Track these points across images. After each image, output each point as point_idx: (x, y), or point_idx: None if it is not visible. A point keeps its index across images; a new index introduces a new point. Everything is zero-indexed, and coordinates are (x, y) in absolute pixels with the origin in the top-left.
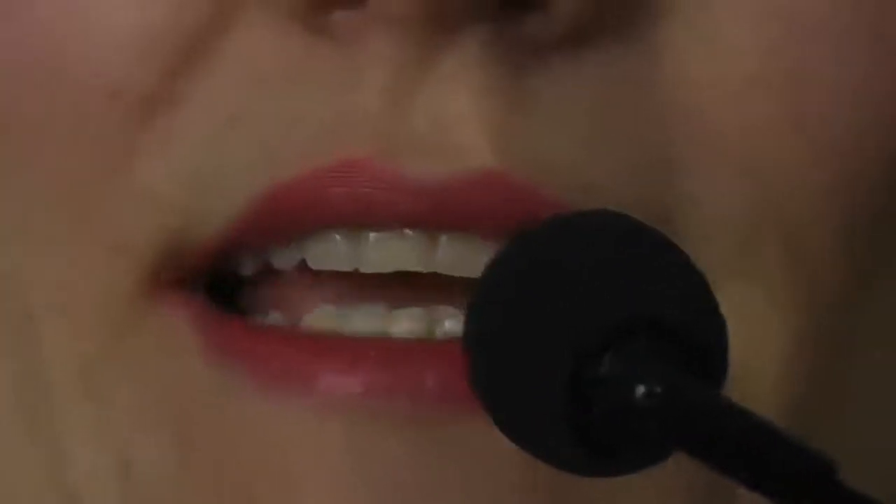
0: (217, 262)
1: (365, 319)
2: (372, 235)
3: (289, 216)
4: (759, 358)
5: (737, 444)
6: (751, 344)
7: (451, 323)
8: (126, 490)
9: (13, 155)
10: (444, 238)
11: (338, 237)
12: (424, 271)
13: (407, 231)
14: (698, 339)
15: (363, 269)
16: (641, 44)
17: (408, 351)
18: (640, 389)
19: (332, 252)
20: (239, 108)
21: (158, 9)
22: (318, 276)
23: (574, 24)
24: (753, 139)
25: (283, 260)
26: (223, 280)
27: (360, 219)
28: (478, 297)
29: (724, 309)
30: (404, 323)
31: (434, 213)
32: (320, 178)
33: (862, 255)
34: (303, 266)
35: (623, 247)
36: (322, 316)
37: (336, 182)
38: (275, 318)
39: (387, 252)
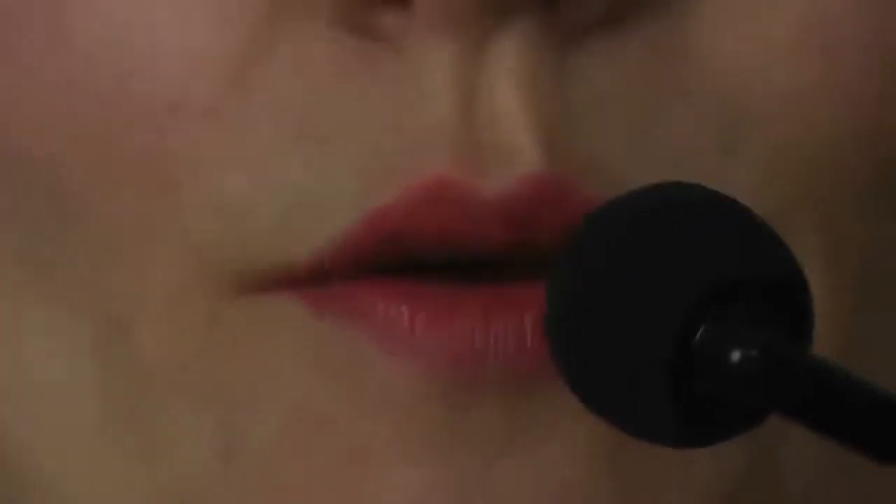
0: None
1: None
2: None
3: (384, 243)
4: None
5: (838, 405)
6: None
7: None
8: (229, 466)
9: (87, 180)
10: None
11: None
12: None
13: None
14: (788, 300)
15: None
16: (676, 18)
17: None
18: (736, 355)
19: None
20: (325, 123)
21: (208, 21)
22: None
23: (610, 6)
24: (790, 108)
25: None
26: None
27: (445, 240)
28: (560, 271)
29: None
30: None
31: (503, 233)
32: (413, 202)
33: (889, 221)
34: None
35: (699, 214)
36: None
37: (426, 206)
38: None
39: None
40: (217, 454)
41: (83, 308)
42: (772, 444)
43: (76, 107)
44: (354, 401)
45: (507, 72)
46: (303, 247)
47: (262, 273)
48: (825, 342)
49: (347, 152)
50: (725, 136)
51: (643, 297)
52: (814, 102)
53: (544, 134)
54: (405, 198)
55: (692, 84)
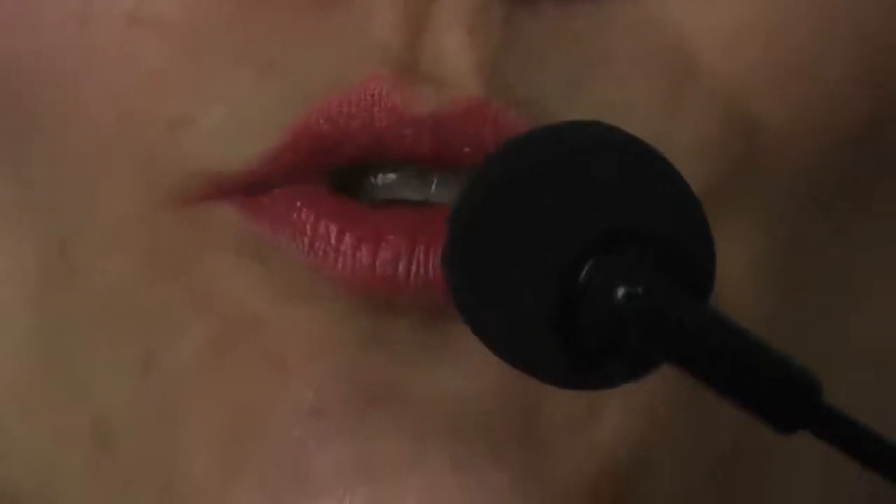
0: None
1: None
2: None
3: (313, 149)
4: (733, 268)
5: (721, 353)
6: (724, 253)
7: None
8: (148, 378)
9: (59, 95)
10: (435, 178)
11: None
12: (420, 199)
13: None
14: (685, 252)
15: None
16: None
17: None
18: (621, 291)
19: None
20: (268, 51)
21: None
22: None
23: None
24: (739, 84)
25: None
26: None
27: (373, 151)
28: (457, 214)
29: None
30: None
31: (432, 149)
32: (342, 107)
33: (833, 199)
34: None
35: (613, 156)
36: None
37: (355, 112)
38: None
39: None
40: (134, 372)
41: (35, 228)
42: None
43: (38, 18)
44: (282, 306)
45: (456, 16)
46: (237, 157)
47: (201, 185)
48: (747, 299)
49: (286, 75)
50: (667, 98)
51: (539, 233)
52: (754, 85)
53: (483, 69)
54: (334, 103)
55: (639, 55)
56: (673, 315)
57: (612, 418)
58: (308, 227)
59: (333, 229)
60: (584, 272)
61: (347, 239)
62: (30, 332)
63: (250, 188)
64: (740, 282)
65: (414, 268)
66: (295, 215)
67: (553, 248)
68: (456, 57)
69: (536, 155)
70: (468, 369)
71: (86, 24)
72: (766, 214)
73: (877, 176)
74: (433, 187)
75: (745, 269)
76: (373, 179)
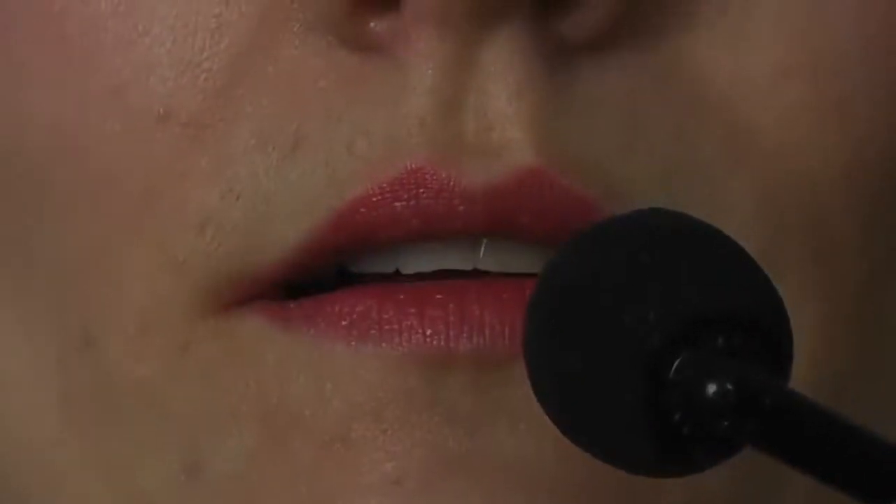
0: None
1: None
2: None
3: (355, 236)
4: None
5: (812, 439)
6: None
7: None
8: (197, 491)
9: (75, 184)
10: (484, 241)
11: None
12: (467, 269)
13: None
14: (767, 333)
15: (404, 270)
16: (667, 45)
17: (470, 288)
18: (712, 388)
19: (372, 257)
20: (298, 129)
21: (199, 33)
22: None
23: (609, 24)
24: (782, 129)
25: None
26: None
27: (422, 230)
28: (536, 304)
29: None
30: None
31: (485, 220)
32: (383, 194)
33: (883, 240)
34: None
35: (686, 246)
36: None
37: (400, 196)
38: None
39: (429, 253)
40: (183, 470)
41: (55, 314)
42: (767, 480)
43: (68, 111)
44: (325, 395)
45: (498, 75)
46: (271, 252)
47: (234, 284)
48: (814, 375)
49: (318, 156)
50: (720, 154)
51: (622, 327)
52: (806, 125)
53: (535, 133)
54: (374, 189)
55: (684, 103)
56: (762, 404)
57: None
58: (345, 311)
59: (374, 306)
60: (673, 368)
61: (390, 312)
62: (60, 424)
63: (284, 285)
64: (810, 340)
65: (466, 329)
66: (329, 308)
67: (639, 342)
68: (504, 123)
69: (616, 247)
70: (529, 429)
71: (117, 107)
72: (824, 274)
73: None
74: (481, 252)
75: (814, 325)
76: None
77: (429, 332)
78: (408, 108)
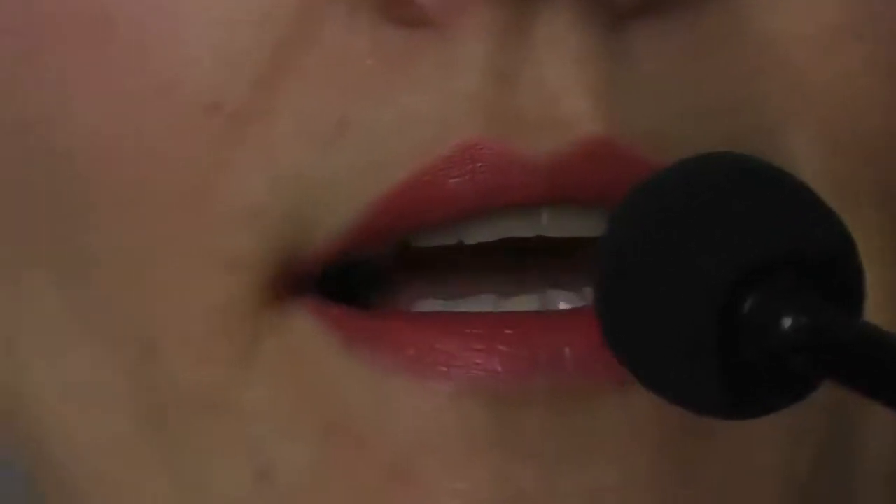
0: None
1: (475, 307)
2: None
3: (408, 216)
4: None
5: (891, 370)
6: None
7: (565, 304)
8: (267, 496)
9: (126, 183)
10: (545, 211)
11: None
12: (531, 235)
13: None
14: (839, 272)
15: (467, 241)
16: (723, 7)
17: (540, 324)
18: (787, 322)
19: (432, 233)
20: (343, 114)
21: (243, 24)
22: (421, 263)
23: None
24: (844, 89)
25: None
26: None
27: (481, 204)
28: (605, 248)
29: None
30: (516, 307)
31: (548, 191)
32: (436, 171)
33: None
34: (404, 246)
35: (752, 185)
36: (427, 306)
37: (453, 172)
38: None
39: (491, 223)
40: (254, 476)
41: (116, 322)
42: (853, 419)
43: (114, 112)
44: (390, 423)
45: (555, 45)
46: (321, 241)
47: (288, 276)
48: (885, 313)
49: (361, 141)
50: (783, 114)
51: (693, 267)
52: (867, 85)
53: (600, 103)
54: (422, 169)
55: (744, 64)
56: (839, 337)
57: None
58: (410, 346)
59: (438, 338)
60: (746, 306)
61: (456, 343)
62: (129, 431)
63: (336, 273)
64: (879, 275)
65: (540, 359)
66: (389, 334)
67: (710, 282)
68: (566, 94)
69: (678, 193)
70: (616, 463)
71: (165, 103)
72: (893, 237)
73: None
74: (543, 219)
75: (881, 259)
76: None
77: (499, 368)
78: (459, 85)
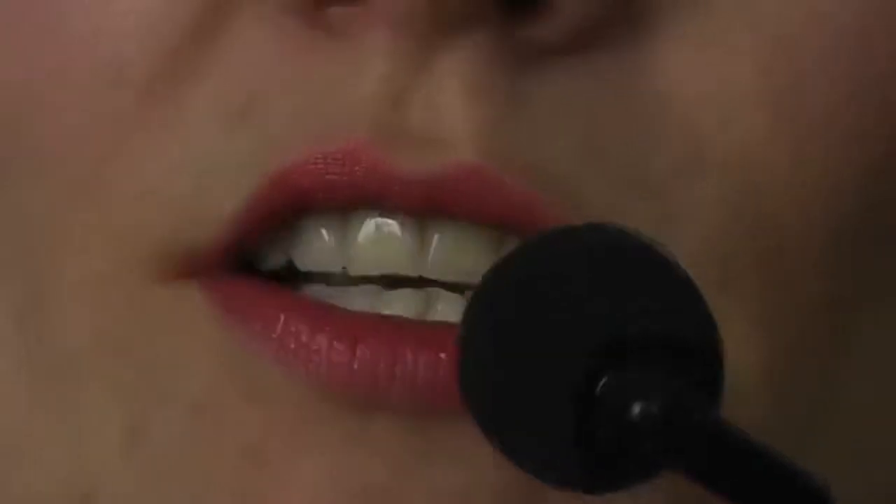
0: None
1: (356, 298)
2: (361, 235)
3: (286, 202)
4: (739, 373)
5: (732, 466)
6: (731, 357)
7: (445, 305)
8: (132, 455)
9: (30, 145)
10: (435, 238)
11: (326, 236)
12: (413, 275)
13: (393, 224)
14: (697, 358)
15: (352, 271)
16: (635, 57)
17: (408, 336)
18: (637, 408)
19: (320, 252)
20: (247, 98)
21: (152, 4)
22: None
23: (575, 33)
24: (741, 155)
25: (272, 261)
26: None
27: (354, 204)
28: (469, 317)
29: None
30: (397, 304)
31: (422, 203)
32: (318, 163)
33: (844, 274)
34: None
35: (620, 262)
36: (312, 291)
37: (333, 169)
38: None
39: (377, 253)
40: (123, 441)
41: (12, 279)
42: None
43: (21, 74)
44: (252, 402)
45: (452, 77)
46: (211, 224)
47: (175, 257)
48: (756, 403)
49: (262, 125)
50: (675, 170)
51: (551, 344)
52: (768, 148)
53: (480, 132)
54: (312, 159)
55: (646, 114)
56: (687, 429)
57: None
58: (279, 326)
59: (304, 329)
60: (598, 388)
61: (320, 338)
62: (21, 387)
63: (224, 256)
64: (745, 382)
65: (399, 370)
66: (264, 311)
67: (565, 363)
68: (452, 118)
69: (543, 265)
70: (463, 467)
71: (72, 72)
72: (773, 311)
73: (884, 254)
74: (430, 251)
75: (749, 368)
76: (364, 222)
77: (357, 369)
78: (356, 91)
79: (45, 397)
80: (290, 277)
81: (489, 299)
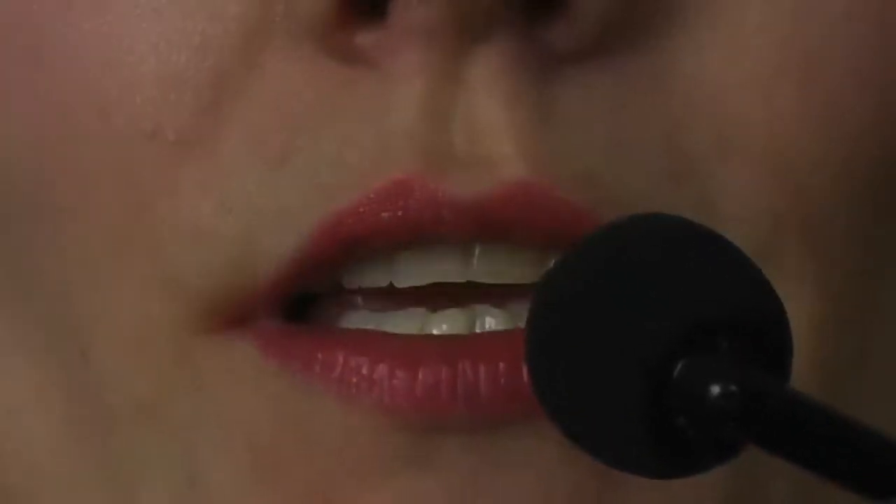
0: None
1: (404, 323)
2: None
3: (344, 248)
4: None
5: (815, 437)
6: None
7: (492, 320)
8: (195, 501)
9: (65, 201)
10: (477, 248)
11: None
12: (461, 281)
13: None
14: (768, 337)
15: (398, 284)
16: (660, 50)
17: (463, 350)
18: (716, 390)
19: (366, 268)
20: (286, 141)
21: (183, 49)
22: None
23: (597, 33)
24: (772, 131)
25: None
26: None
27: (410, 239)
28: (538, 308)
29: None
30: (446, 324)
31: (475, 228)
32: (370, 204)
33: (875, 241)
34: (337, 286)
35: (683, 249)
36: (359, 320)
37: (386, 206)
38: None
39: (423, 265)
40: (182, 485)
41: (52, 332)
42: (757, 473)
43: (56, 130)
44: (314, 446)
45: (486, 88)
46: (264, 266)
47: (229, 299)
48: (810, 365)
49: (306, 168)
50: (712, 157)
51: (624, 333)
52: (795, 126)
53: (524, 146)
54: (361, 200)
55: (674, 106)
56: (766, 405)
57: None
58: (339, 364)
59: (364, 361)
60: (676, 372)
61: (381, 368)
62: (63, 439)
63: (275, 302)
64: (808, 337)
65: (461, 387)
66: (321, 355)
67: (643, 349)
68: (493, 135)
69: (610, 255)
70: (533, 472)
71: (104, 126)
72: (819, 266)
73: None
74: (474, 263)
75: (812, 321)
76: (405, 254)
77: (419, 395)
78: (395, 121)
79: (93, 451)
80: (334, 294)
81: (558, 292)
